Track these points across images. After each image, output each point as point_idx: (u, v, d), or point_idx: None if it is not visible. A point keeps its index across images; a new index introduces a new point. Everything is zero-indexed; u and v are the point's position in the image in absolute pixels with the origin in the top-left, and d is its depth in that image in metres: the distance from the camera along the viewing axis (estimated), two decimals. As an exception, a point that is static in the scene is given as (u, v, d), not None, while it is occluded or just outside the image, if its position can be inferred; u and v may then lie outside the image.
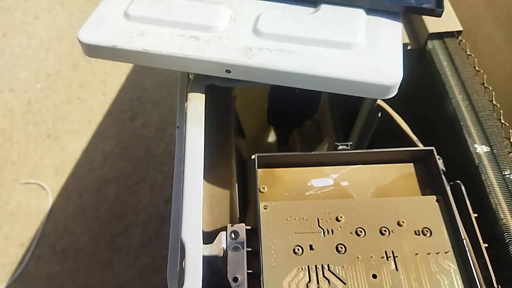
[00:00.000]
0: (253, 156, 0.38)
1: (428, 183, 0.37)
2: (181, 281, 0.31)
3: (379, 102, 0.47)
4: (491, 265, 0.32)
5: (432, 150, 0.37)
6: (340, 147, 0.39)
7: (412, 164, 0.39)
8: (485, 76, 0.43)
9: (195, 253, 0.32)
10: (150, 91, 1.17)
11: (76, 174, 1.05)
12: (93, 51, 0.41)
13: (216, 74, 0.40)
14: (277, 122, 0.71)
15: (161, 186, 1.01)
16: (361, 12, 0.43)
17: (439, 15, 0.41)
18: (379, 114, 0.48)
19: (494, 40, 0.83)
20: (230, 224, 0.34)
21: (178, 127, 0.46)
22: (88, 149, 1.08)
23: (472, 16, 0.85)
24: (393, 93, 0.37)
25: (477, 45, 0.94)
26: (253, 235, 0.34)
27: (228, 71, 0.39)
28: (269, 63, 0.38)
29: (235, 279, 0.31)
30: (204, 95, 0.42)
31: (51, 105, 1.16)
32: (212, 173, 0.46)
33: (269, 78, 0.39)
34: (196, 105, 0.41)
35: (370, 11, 0.43)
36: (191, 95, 0.41)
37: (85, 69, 1.22)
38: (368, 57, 0.38)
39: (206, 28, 0.41)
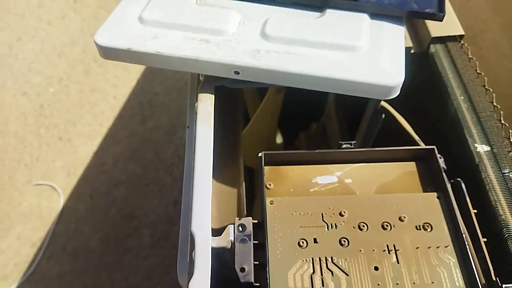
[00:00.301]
0: (260, 154, 0.40)
1: (429, 181, 0.39)
2: (191, 272, 0.33)
3: (383, 103, 0.49)
4: (490, 259, 0.33)
5: (433, 149, 0.39)
6: (344, 146, 0.40)
7: (414, 162, 0.40)
8: (486, 78, 0.45)
9: (204, 244, 0.33)
10: (160, 95, 1.19)
11: (87, 176, 1.07)
12: (109, 53, 0.43)
13: (226, 76, 0.42)
14: (284, 124, 0.72)
15: (170, 188, 1.02)
16: (365, 16, 0.44)
17: (440, 19, 0.43)
18: (383, 115, 0.49)
19: (500, 45, 0.85)
20: (238, 218, 0.35)
21: (188, 127, 0.48)
22: (99, 152, 1.10)
23: (479, 22, 0.87)
24: (396, 93, 0.38)
25: (483, 51, 0.96)
26: (260, 229, 0.36)
27: (236, 73, 0.41)
28: (276, 65, 0.40)
29: (242, 269, 0.32)
30: (213, 96, 0.43)
31: (63, 109, 1.19)
32: (220, 172, 0.48)
33: (276, 79, 0.40)
34: (206, 105, 0.42)
35: (374, 15, 0.44)
36: (201, 96, 0.43)
37: (96, 74, 1.25)
38: (372, 59, 0.40)
39: (216, 32, 0.43)
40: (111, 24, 0.45)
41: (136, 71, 1.24)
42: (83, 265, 0.94)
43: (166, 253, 0.94)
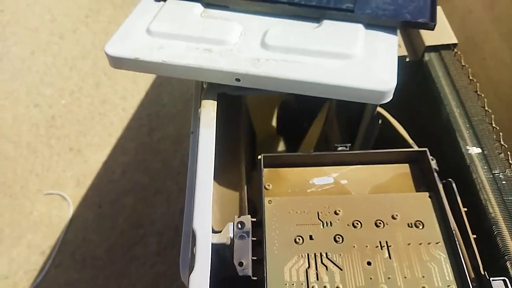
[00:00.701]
0: (259, 157, 0.42)
1: (422, 182, 0.40)
2: (191, 266, 0.34)
3: (379, 109, 0.51)
4: (481, 256, 0.35)
5: (425, 151, 0.40)
6: (340, 148, 0.42)
7: (407, 164, 0.42)
8: (478, 84, 0.46)
9: (205, 240, 0.35)
10: (167, 106, 1.22)
11: (96, 185, 1.10)
12: (118, 63, 0.46)
13: (227, 83, 0.44)
14: (286, 132, 0.74)
15: (177, 196, 1.04)
16: (360, 27, 0.46)
17: (432, 28, 0.45)
18: (380, 121, 0.51)
19: (501, 55, 0.86)
20: (237, 216, 0.37)
21: (192, 132, 0.50)
22: (108, 162, 1.13)
23: (480, 33, 0.89)
24: (388, 98, 0.40)
25: (485, 61, 0.97)
26: (258, 227, 0.37)
27: (238, 80, 0.43)
28: (274, 72, 0.42)
29: (241, 264, 0.34)
30: (216, 102, 0.46)
31: (74, 120, 1.22)
32: (223, 176, 0.50)
33: (275, 86, 0.43)
34: (208, 111, 0.45)
35: (369, 26, 0.47)
36: (204, 102, 0.45)
37: (106, 86, 1.28)
38: (366, 66, 0.42)
39: (219, 42, 0.45)
40: (121, 35, 0.48)
41: (144, 83, 1.28)
42: (91, 273, 0.96)
43: (172, 260, 0.95)
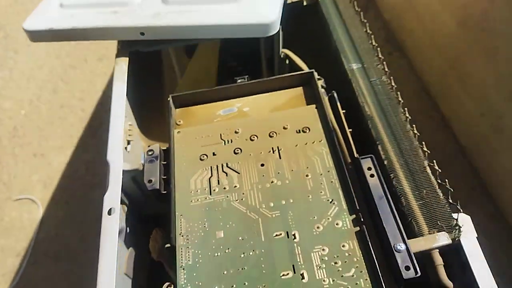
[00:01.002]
0: (169, 98, 0.46)
1: (313, 99, 0.45)
2: (105, 189, 0.39)
3: (285, 51, 0.56)
4: (360, 146, 0.40)
5: (312, 71, 0.45)
6: (239, 80, 0.47)
7: (301, 87, 0.47)
8: (362, 13, 0.52)
9: (116, 166, 0.39)
10: (124, 101, 1.26)
11: (62, 185, 1.12)
12: (35, 36, 0.50)
13: (134, 38, 0.48)
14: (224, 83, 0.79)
15: (140, 181, 1.08)
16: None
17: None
18: (287, 61, 0.56)
19: (432, 7, 0.95)
20: (148, 146, 0.42)
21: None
22: (71, 161, 1.16)
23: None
24: (273, 30, 0.45)
25: (420, 15, 1.06)
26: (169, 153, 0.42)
27: (142, 34, 0.48)
28: (173, 21, 0.47)
29: (150, 181, 0.39)
30: (127, 58, 0.50)
31: (35, 128, 1.25)
32: (151, 129, 0.54)
33: (175, 34, 0.47)
34: (120, 66, 0.49)
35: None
36: (117, 60, 0.50)
37: (64, 91, 1.31)
38: (252, 6, 0.47)
39: (123, 4, 0.50)
40: (36, 13, 0.52)
41: (101, 82, 1.31)
42: (66, 266, 0.99)
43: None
